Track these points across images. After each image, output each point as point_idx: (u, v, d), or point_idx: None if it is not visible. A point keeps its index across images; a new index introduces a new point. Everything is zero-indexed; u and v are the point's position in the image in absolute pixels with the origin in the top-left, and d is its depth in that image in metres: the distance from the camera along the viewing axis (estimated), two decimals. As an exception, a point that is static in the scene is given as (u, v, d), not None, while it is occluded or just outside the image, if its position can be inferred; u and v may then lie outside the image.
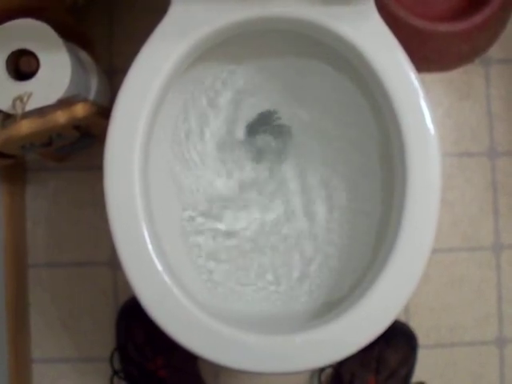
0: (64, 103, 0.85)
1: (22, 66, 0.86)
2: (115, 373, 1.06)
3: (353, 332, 0.71)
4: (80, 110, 0.84)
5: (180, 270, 0.75)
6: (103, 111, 0.89)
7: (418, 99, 0.74)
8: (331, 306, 0.76)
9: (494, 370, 1.12)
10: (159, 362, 1.03)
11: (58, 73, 0.85)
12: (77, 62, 0.89)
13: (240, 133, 0.95)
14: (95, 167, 1.08)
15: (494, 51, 1.12)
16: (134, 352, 1.04)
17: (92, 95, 0.96)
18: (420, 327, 1.10)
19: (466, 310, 1.12)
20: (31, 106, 0.84)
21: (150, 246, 0.71)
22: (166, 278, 0.71)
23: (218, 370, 1.10)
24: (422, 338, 1.10)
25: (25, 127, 0.83)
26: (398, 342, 1.06)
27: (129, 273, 0.71)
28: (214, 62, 0.88)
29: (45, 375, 1.11)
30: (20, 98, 0.83)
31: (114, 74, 1.10)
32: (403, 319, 1.11)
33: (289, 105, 0.94)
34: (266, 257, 0.91)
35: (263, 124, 0.97)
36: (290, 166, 0.95)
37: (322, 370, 1.08)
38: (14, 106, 0.83)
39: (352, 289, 0.76)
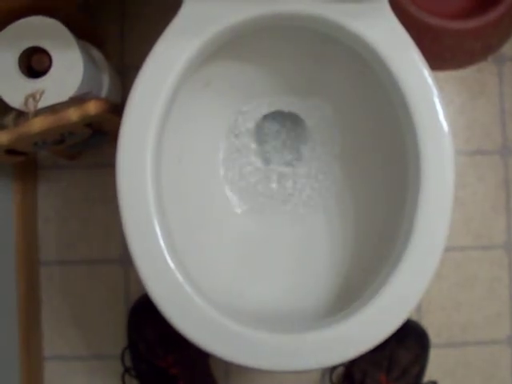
0: (76, 101, 0.85)
1: (35, 64, 0.86)
2: (126, 370, 1.06)
3: (365, 331, 0.71)
4: (92, 107, 0.84)
5: (192, 267, 0.75)
6: (115, 109, 0.89)
7: (431, 97, 0.73)
8: (343, 305, 0.76)
9: (506, 368, 1.12)
10: (170, 360, 1.02)
11: (70, 70, 0.85)
12: (89, 59, 0.89)
13: (250, 133, 0.95)
14: (107, 165, 1.09)
15: (508, 49, 1.12)
16: (145, 349, 1.04)
17: (104, 93, 0.96)
18: (432, 326, 1.10)
19: (477, 308, 1.12)
20: (43, 103, 0.84)
21: (162, 244, 0.71)
22: (178, 276, 0.71)
23: (229, 367, 1.10)
24: (433, 337, 1.09)
25: (37, 124, 0.83)
26: (409, 340, 1.05)
27: (141, 270, 0.71)
28: (226, 60, 0.88)
29: (56, 372, 1.11)
30: (32, 96, 0.83)
31: (125, 72, 1.10)
32: (415, 318, 1.10)
33: (301, 102, 0.94)
34: (276, 251, 0.92)
35: (275, 122, 0.97)
36: (301, 165, 0.95)
37: (333, 368, 1.08)
38: (26, 103, 0.84)
39: (364, 287, 0.76)
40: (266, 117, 0.95)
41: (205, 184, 0.93)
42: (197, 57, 0.76)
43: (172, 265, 0.71)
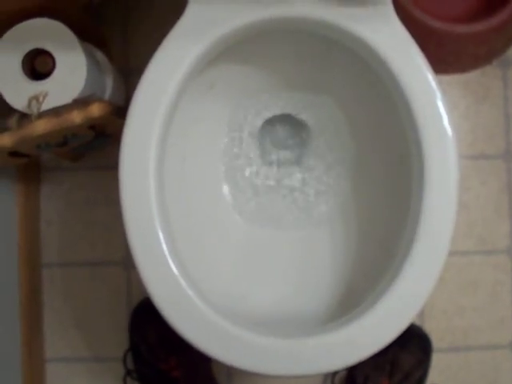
0: (79, 103, 0.85)
1: (38, 66, 0.86)
2: (128, 373, 1.06)
3: (368, 336, 0.71)
4: (95, 109, 0.84)
5: (194, 271, 0.74)
6: (118, 111, 0.89)
7: (435, 101, 0.73)
8: (345, 310, 0.76)
9: (509, 373, 1.12)
10: (172, 363, 1.02)
11: (73, 72, 0.85)
12: (92, 61, 0.89)
13: (254, 135, 0.95)
14: (110, 167, 1.08)
15: (512, 53, 1.12)
16: (147, 352, 1.04)
17: (107, 95, 0.96)
18: (434, 330, 1.10)
19: (480, 313, 1.12)
20: (47, 105, 0.84)
21: (165, 248, 0.71)
22: (181, 280, 0.71)
23: (231, 371, 1.10)
24: (436, 342, 1.09)
25: (40, 127, 0.83)
26: (412, 345, 1.05)
27: (143, 273, 0.71)
28: (229, 63, 0.88)
29: (58, 374, 1.11)
30: (36, 98, 0.83)
31: (129, 74, 1.10)
32: (418, 322, 1.10)
33: (305, 105, 0.94)
34: (278, 254, 0.92)
35: (279, 125, 0.97)
36: (304, 169, 0.95)
37: (335, 372, 1.07)
38: (29, 105, 0.83)
39: (367, 292, 0.75)
40: (269, 119, 0.95)
41: (207, 188, 0.93)
42: (201, 60, 0.76)
43: (174, 269, 0.71)
